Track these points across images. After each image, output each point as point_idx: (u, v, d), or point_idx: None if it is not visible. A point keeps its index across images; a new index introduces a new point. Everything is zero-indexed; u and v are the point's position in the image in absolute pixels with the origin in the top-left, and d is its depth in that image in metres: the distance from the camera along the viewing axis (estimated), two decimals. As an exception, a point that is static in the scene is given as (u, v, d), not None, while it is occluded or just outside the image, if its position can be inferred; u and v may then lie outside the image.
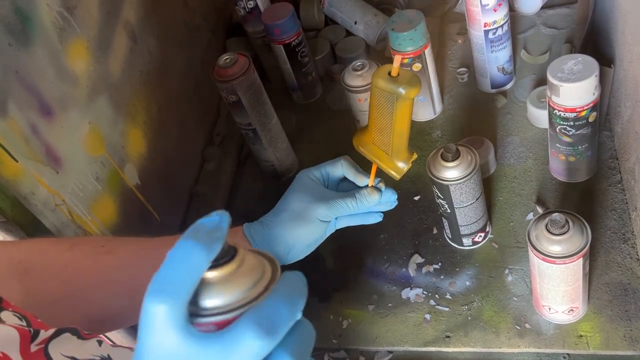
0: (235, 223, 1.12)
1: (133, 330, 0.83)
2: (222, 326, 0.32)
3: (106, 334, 0.79)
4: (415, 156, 0.68)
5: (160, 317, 0.31)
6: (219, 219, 0.33)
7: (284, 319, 0.32)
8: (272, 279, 0.33)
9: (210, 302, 0.32)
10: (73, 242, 0.64)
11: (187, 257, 0.31)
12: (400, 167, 0.68)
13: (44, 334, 0.42)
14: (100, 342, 0.44)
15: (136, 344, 0.33)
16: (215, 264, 0.32)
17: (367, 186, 0.69)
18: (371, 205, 0.69)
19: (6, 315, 0.43)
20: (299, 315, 0.33)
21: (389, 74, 0.62)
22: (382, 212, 0.72)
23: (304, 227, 0.66)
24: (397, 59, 0.61)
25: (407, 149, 0.67)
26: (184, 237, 0.32)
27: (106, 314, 0.59)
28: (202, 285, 0.32)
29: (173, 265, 0.32)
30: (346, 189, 0.70)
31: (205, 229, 0.32)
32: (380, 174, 0.69)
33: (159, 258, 0.64)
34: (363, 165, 0.71)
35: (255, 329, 0.31)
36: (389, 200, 0.70)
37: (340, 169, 0.70)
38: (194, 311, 0.32)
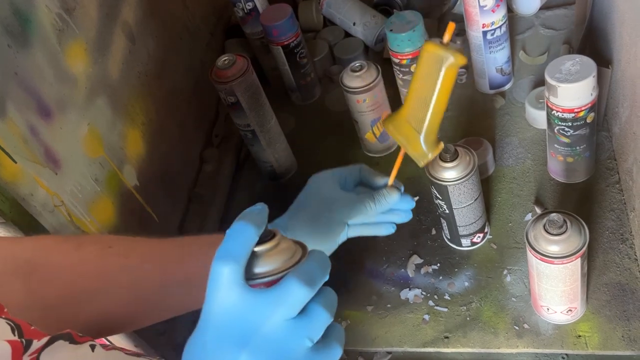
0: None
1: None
2: (268, 286, 0.41)
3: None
4: (442, 146, 0.66)
5: (225, 276, 0.40)
6: (261, 207, 0.44)
7: (319, 275, 0.41)
8: (303, 253, 0.43)
9: (258, 269, 0.42)
10: (80, 241, 0.62)
11: (242, 232, 0.41)
12: (425, 152, 0.65)
13: (36, 344, 0.41)
14: (93, 347, 0.44)
15: (204, 302, 0.41)
16: (260, 241, 0.42)
17: (386, 186, 0.68)
18: (390, 204, 0.67)
19: None
20: (327, 276, 0.42)
21: (441, 42, 0.62)
22: (395, 223, 0.72)
23: (320, 229, 0.65)
24: (451, 26, 0.61)
25: (437, 131, 0.65)
26: (238, 219, 0.42)
27: (106, 318, 0.58)
28: (251, 258, 0.42)
29: (232, 238, 0.41)
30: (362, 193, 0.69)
31: (253, 213, 0.43)
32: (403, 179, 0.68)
33: (163, 261, 0.64)
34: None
35: (299, 281, 0.40)
36: (406, 206, 0.69)
37: (358, 172, 0.69)
38: (247, 276, 0.41)
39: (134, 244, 0.63)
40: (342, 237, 0.69)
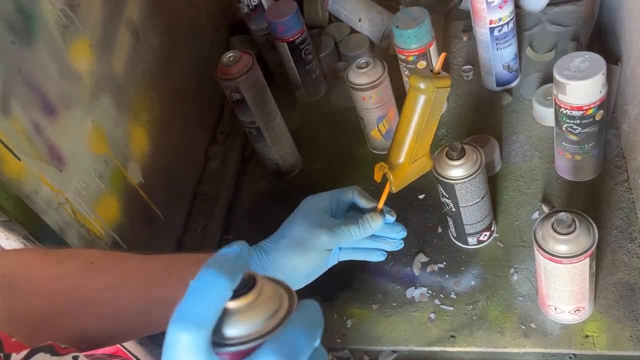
0: (239, 222, 1.12)
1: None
2: (242, 355, 0.33)
3: None
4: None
5: (183, 346, 0.31)
6: (240, 249, 0.34)
7: (304, 348, 0.32)
8: (289, 308, 0.34)
9: (231, 331, 0.33)
10: (62, 256, 0.60)
11: (210, 287, 0.32)
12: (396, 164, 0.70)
13: (15, 358, 0.40)
14: (76, 358, 0.43)
15: None
16: (236, 294, 0.33)
17: (374, 210, 0.68)
18: (374, 230, 0.67)
19: None
20: (317, 343, 0.33)
21: (432, 71, 0.66)
22: (385, 251, 0.72)
23: (304, 255, 0.64)
24: (442, 56, 0.66)
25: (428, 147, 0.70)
26: (207, 266, 0.32)
27: (88, 334, 0.56)
28: (223, 315, 0.33)
29: (196, 294, 0.32)
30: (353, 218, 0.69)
31: (227, 258, 0.33)
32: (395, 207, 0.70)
33: (147, 279, 0.63)
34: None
35: (276, 359, 0.31)
36: (396, 235, 0.70)
37: (350, 195, 0.69)
38: (215, 340, 0.33)
39: (116, 261, 0.61)
40: (331, 261, 0.69)
